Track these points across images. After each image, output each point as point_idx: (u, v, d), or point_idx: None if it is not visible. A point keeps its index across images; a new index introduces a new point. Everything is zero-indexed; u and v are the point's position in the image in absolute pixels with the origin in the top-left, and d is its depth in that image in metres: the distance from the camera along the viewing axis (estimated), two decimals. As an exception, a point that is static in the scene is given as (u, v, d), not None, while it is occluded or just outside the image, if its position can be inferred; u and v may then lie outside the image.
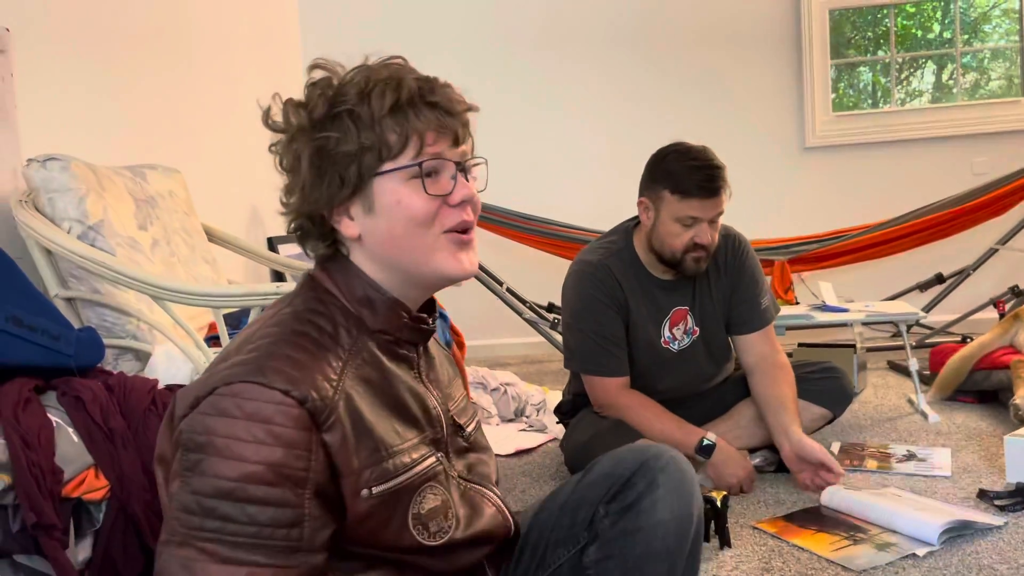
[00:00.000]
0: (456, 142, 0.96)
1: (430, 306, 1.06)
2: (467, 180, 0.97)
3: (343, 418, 0.89)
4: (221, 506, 0.83)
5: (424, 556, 0.97)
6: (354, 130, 0.92)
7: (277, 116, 0.98)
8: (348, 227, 0.97)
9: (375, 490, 0.91)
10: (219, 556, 0.83)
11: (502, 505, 1.09)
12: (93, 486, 1.40)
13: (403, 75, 0.95)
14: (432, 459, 0.99)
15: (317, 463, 0.87)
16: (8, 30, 2.10)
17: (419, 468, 0.96)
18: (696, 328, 2.21)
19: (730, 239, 2.22)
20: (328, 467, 0.88)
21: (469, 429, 1.09)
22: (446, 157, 0.95)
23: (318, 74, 0.97)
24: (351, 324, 0.96)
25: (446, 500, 0.99)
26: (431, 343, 1.10)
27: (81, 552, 1.38)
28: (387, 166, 0.93)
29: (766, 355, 2.20)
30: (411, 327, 1.00)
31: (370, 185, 0.94)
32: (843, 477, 2.01)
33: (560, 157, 4.16)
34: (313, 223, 0.98)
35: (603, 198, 4.02)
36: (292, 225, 1.00)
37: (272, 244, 3.53)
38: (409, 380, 1.00)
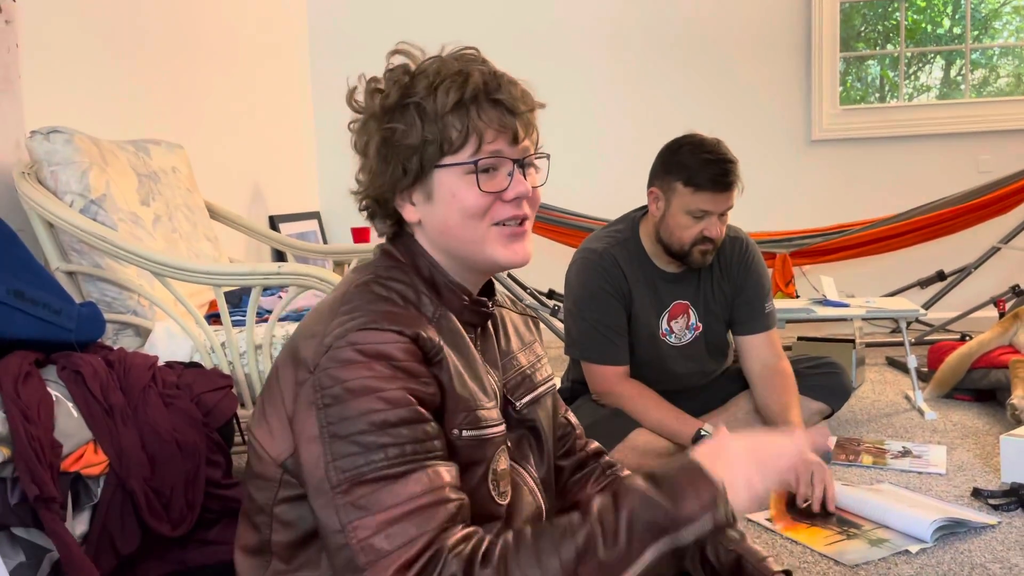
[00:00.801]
0: (516, 140, 0.99)
1: (489, 289, 1.11)
2: (524, 176, 1.00)
3: (447, 360, 0.96)
4: (378, 437, 0.86)
5: (486, 520, 0.99)
6: (419, 123, 0.97)
7: (362, 99, 1.03)
8: (409, 212, 1.02)
9: (465, 433, 0.96)
10: (394, 477, 0.86)
11: (536, 489, 1.11)
12: (91, 461, 1.40)
13: (472, 70, 0.97)
14: (503, 426, 1.03)
15: (436, 391, 0.94)
16: (15, 0, 2.09)
17: (499, 429, 1.01)
18: (699, 324, 2.21)
19: (738, 242, 2.22)
20: (440, 397, 0.94)
21: (521, 403, 1.11)
22: (504, 155, 0.98)
23: (396, 60, 1.01)
24: (432, 294, 1.02)
25: (509, 466, 1.05)
26: (503, 314, 1.15)
27: (79, 526, 1.38)
28: (447, 160, 0.97)
29: (768, 361, 2.19)
30: (471, 310, 1.04)
31: (431, 176, 0.98)
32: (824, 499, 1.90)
33: (567, 145, 4.14)
34: (379, 204, 1.04)
35: (606, 187, 4.02)
36: (361, 203, 1.05)
37: (273, 223, 3.52)
38: (476, 353, 1.04)
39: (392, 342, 0.90)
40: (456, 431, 0.95)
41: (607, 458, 1.30)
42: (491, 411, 1.00)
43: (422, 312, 0.99)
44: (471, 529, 0.88)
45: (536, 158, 1.03)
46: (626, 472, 1.27)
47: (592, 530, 0.85)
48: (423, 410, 0.90)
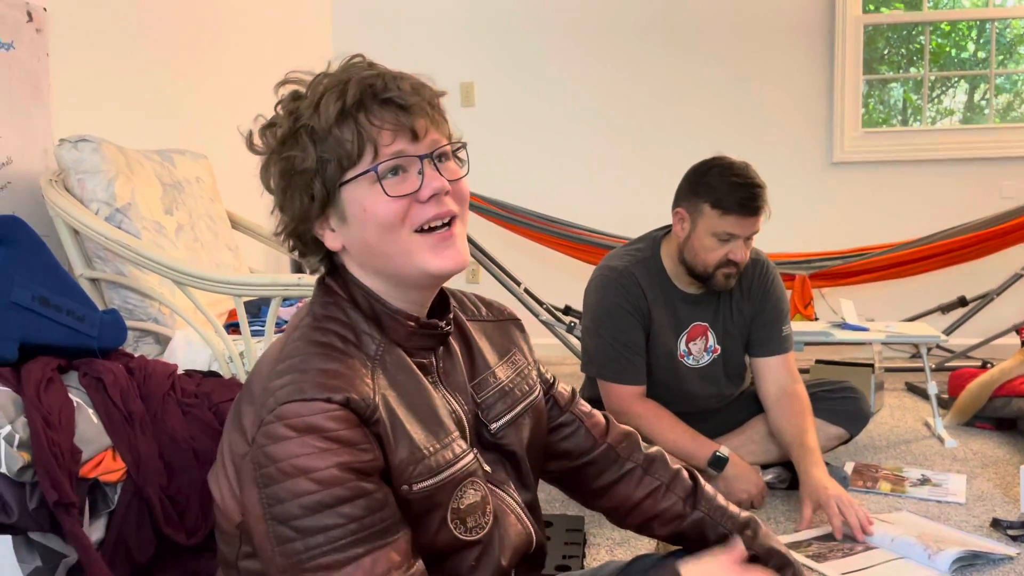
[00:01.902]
0: (416, 136, 0.91)
1: (443, 305, 1.04)
2: (438, 171, 0.92)
3: (384, 417, 0.90)
4: (316, 520, 0.84)
5: (456, 558, 0.97)
6: (311, 145, 0.91)
7: (258, 139, 0.98)
8: (331, 240, 0.96)
9: (416, 487, 0.91)
10: (336, 563, 0.84)
11: (522, 514, 1.06)
12: (110, 468, 1.40)
13: (351, 76, 0.91)
14: (472, 455, 0.98)
15: (376, 453, 0.89)
16: (46, 10, 2.12)
17: (461, 464, 0.96)
18: (717, 347, 2.20)
19: (759, 264, 2.21)
20: (383, 458, 0.90)
21: (496, 425, 1.05)
22: (408, 154, 0.91)
23: (286, 90, 0.96)
24: (373, 329, 0.96)
25: (485, 496, 0.99)
26: (471, 328, 1.09)
27: (95, 532, 1.38)
28: (348, 175, 0.91)
29: (785, 385, 2.17)
30: (421, 334, 0.98)
31: (338, 196, 0.92)
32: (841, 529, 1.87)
33: (585, 162, 4.15)
34: (301, 240, 0.98)
35: (626, 205, 4.02)
36: (284, 242, 0.99)
37: (294, 233, 3.55)
38: (428, 385, 0.98)
39: (321, 412, 0.85)
40: (406, 487, 0.91)
41: (646, 449, 1.21)
42: (448, 449, 0.95)
43: (363, 351, 0.93)
44: None
45: (452, 149, 0.95)
46: (675, 466, 1.20)
47: None
48: (362, 483, 0.86)
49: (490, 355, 1.08)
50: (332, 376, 0.88)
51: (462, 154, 0.97)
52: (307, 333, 0.93)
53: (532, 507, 1.09)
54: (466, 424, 1.01)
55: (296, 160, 0.92)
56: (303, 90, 0.95)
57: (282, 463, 0.84)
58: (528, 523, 1.06)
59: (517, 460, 1.08)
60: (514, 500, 1.05)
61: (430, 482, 0.92)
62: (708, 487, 1.21)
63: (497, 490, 1.03)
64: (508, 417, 1.06)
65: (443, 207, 0.92)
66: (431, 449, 0.93)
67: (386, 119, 0.90)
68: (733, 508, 1.19)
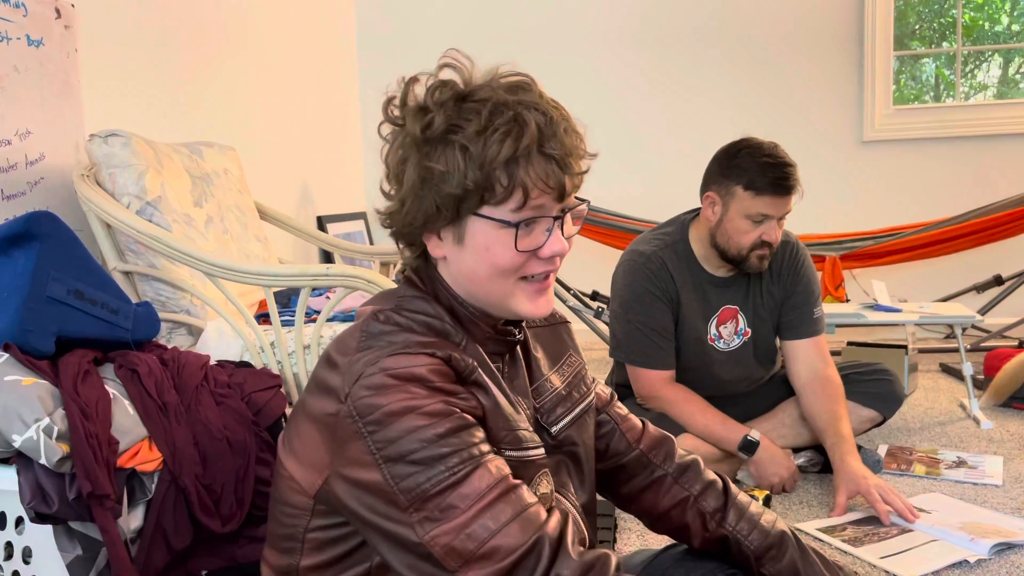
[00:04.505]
0: (562, 197, 0.93)
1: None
2: (562, 232, 0.94)
3: (482, 379, 0.94)
4: (433, 451, 0.85)
5: None
6: (462, 168, 0.90)
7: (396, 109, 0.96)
8: (436, 247, 0.97)
9: (507, 452, 0.94)
10: (458, 482, 0.85)
11: (578, 517, 1.06)
12: (147, 457, 1.43)
13: (527, 117, 0.90)
14: (543, 449, 1.01)
15: (476, 405, 0.92)
16: (74, 6, 2.15)
17: (539, 452, 0.99)
18: (748, 330, 2.18)
19: (789, 246, 2.18)
20: (481, 412, 0.93)
21: (557, 427, 1.07)
22: (546, 213, 0.93)
23: (446, 75, 0.94)
24: (455, 324, 0.98)
25: (553, 491, 1.01)
26: (529, 335, 1.11)
27: (133, 520, 1.41)
28: (486, 211, 0.92)
29: (816, 368, 2.14)
30: (496, 339, 1.01)
31: (465, 219, 0.93)
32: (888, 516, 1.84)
33: (614, 145, 4.12)
34: (408, 235, 0.99)
35: (653, 188, 3.99)
36: (385, 223, 1.00)
37: (321, 223, 3.57)
38: (503, 380, 1.01)
39: (423, 364, 0.88)
40: (498, 449, 0.93)
41: (680, 457, 1.21)
42: (530, 433, 0.98)
43: (450, 340, 0.96)
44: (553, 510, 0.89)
45: (576, 207, 0.97)
46: (709, 477, 1.20)
47: None
48: (468, 416, 0.89)
49: (545, 362, 1.11)
50: (430, 344, 0.92)
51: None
52: (392, 317, 0.96)
53: (588, 509, 1.10)
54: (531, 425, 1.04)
55: (438, 174, 0.91)
56: (463, 86, 0.93)
57: (388, 406, 0.86)
58: (584, 526, 1.07)
59: (579, 460, 1.10)
60: (572, 504, 1.07)
61: (517, 453, 0.95)
62: (742, 497, 1.20)
63: (557, 494, 1.05)
64: (568, 419, 1.09)
65: (553, 266, 0.96)
66: (520, 424, 0.97)
67: (541, 174, 0.90)
68: (766, 522, 1.16)
